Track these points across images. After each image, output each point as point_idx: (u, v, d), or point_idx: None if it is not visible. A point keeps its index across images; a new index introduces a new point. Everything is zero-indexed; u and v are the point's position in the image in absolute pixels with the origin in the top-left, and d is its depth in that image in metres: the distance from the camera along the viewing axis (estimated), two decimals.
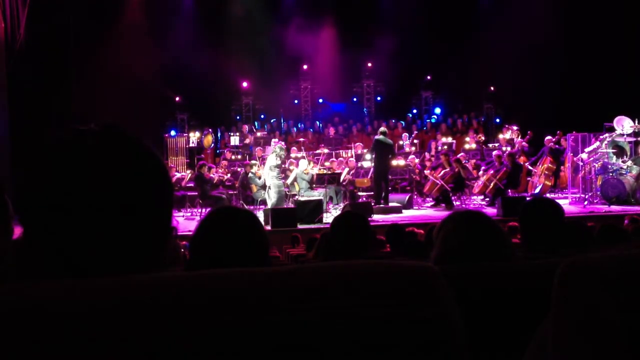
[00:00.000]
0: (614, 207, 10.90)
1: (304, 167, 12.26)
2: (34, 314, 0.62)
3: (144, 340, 0.62)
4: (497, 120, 18.65)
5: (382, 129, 12.32)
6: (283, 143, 13.05)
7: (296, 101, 19.98)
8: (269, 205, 11.08)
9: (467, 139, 16.20)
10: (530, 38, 16.18)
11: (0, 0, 12.59)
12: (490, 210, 11.06)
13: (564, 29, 16.23)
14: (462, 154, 13.97)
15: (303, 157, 13.14)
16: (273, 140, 15.39)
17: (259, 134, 16.42)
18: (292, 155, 14.07)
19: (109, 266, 0.76)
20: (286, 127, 18.39)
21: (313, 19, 18.23)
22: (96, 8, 15.39)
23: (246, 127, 16.86)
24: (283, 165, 12.00)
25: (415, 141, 15.60)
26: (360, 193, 12.50)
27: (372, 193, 12.07)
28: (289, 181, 12.24)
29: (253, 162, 12.64)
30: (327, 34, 18.65)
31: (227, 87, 18.50)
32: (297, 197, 11.96)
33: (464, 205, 12.30)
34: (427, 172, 12.87)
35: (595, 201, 11.46)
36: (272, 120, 18.51)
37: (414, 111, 19.90)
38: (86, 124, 0.83)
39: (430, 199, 12.95)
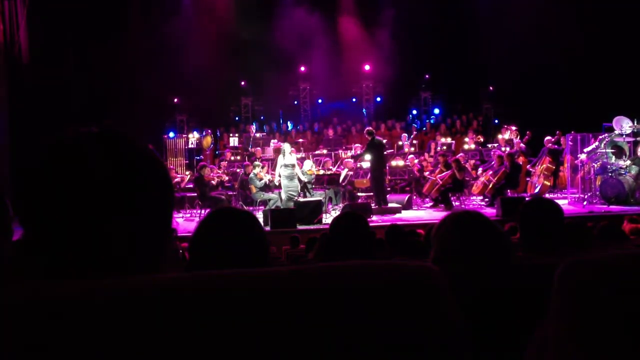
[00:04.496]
0: (613, 207, 10.90)
1: (308, 167, 12.26)
2: (34, 315, 0.62)
3: (142, 342, 0.63)
4: (496, 120, 18.66)
5: (369, 129, 12.31)
6: (281, 144, 13.00)
7: (295, 102, 19.98)
8: (281, 205, 11.14)
9: (466, 139, 16.20)
10: (530, 38, 16.20)
11: None
12: (490, 211, 11.07)
13: (564, 28, 16.23)
14: (461, 154, 13.96)
15: (306, 158, 13.14)
16: (272, 141, 15.40)
17: (258, 134, 16.42)
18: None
19: (109, 268, 0.76)
20: (285, 128, 18.38)
21: (312, 20, 18.23)
22: (95, 9, 15.38)
23: (252, 128, 16.82)
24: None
25: (414, 142, 15.61)
26: (359, 194, 12.50)
27: (372, 194, 12.07)
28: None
29: (256, 163, 12.64)
30: (327, 33, 18.63)
31: (226, 88, 18.49)
32: (296, 197, 11.96)
33: (463, 206, 12.29)
34: (426, 173, 12.87)
35: (594, 201, 11.47)
36: (272, 123, 18.48)
37: (414, 112, 19.91)
38: (86, 126, 0.83)
39: (430, 200, 12.95)
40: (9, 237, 1.98)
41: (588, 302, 0.71)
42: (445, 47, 17.99)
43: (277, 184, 11.78)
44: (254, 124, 17.69)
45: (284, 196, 11.29)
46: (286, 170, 11.28)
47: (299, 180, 11.53)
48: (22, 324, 0.62)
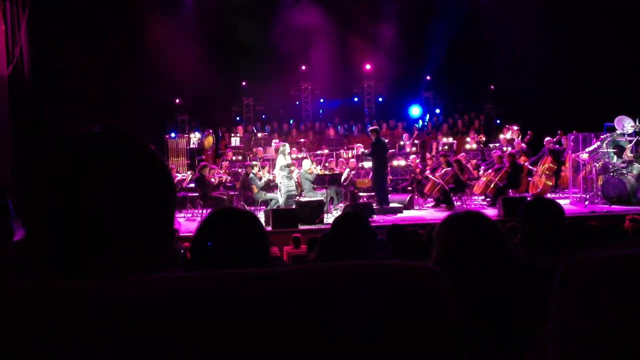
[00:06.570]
0: (615, 207, 10.88)
1: (307, 167, 12.25)
2: (34, 315, 0.62)
3: (143, 342, 0.63)
4: (498, 121, 18.64)
5: (375, 127, 12.28)
6: (281, 144, 13.01)
7: (297, 102, 19.97)
8: (281, 205, 11.14)
9: (468, 139, 16.19)
10: (530, 38, 16.18)
11: (0, 2, 12.62)
12: (491, 211, 11.06)
13: (565, 28, 16.22)
14: (462, 154, 13.95)
15: (305, 157, 13.14)
16: (273, 140, 15.39)
17: (259, 134, 16.44)
18: (293, 155, 14.05)
19: (111, 268, 0.77)
20: (287, 127, 18.37)
21: (313, 20, 18.21)
22: (97, 9, 15.39)
23: (241, 129, 16.92)
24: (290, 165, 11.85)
25: (416, 141, 15.59)
26: (361, 193, 12.49)
27: (373, 193, 12.06)
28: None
29: (254, 162, 12.65)
30: (328, 33, 18.60)
31: (227, 88, 18.48)
32: (298, 197, 11.96)
33: (464, 206, 12.28)
34: (427, 173, 12.85)
35: (596, 201, 11.45)
36: (273, 123, 18.47)
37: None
38: (87, 126, 0.83)
39: (431, 200, 12.94)
40: (11, 237, 1.98)
41: (589, 302, 0.71)
42: (447, 47, 17.98)
43: (277, 184, 11.80)
44: (257, 125, 17.74)
45: (284, 196, 11.28)
46: (286, 170, 11.32)
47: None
48: (22, 324, 0.62)
